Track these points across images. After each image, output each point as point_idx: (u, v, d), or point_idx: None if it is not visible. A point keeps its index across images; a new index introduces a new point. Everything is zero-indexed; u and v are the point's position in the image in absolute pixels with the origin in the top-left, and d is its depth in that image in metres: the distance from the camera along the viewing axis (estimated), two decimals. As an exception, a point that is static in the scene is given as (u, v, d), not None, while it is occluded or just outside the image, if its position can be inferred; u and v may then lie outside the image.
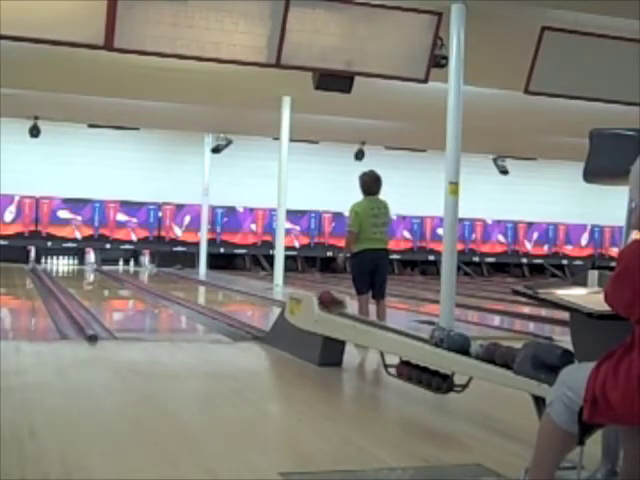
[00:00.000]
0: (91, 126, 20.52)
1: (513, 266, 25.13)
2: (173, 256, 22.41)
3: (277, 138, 16.87)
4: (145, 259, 23.01)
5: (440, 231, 15.41)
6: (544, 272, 25.02)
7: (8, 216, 21.11)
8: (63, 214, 21.55)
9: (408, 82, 11.08)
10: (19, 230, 21.22)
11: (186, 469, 3.55)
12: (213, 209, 22.35)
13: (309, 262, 23.44)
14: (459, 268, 19.05)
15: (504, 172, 24.01)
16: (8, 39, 9.60)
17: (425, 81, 10.79)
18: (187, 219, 22.49)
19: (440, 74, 10.08)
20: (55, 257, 22.13)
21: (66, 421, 4.38)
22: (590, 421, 2.65)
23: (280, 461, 3.77)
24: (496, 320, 11.92)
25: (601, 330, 2.99)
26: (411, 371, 5.12)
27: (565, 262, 25.62)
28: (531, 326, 10.63)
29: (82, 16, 9.47)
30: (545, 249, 25.60)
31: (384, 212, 8.31)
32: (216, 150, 21.44)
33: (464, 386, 4.74)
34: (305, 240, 23.19)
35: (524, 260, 25.25)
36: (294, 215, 21.52)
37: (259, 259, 22.76)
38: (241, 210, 22.83)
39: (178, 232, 22.49)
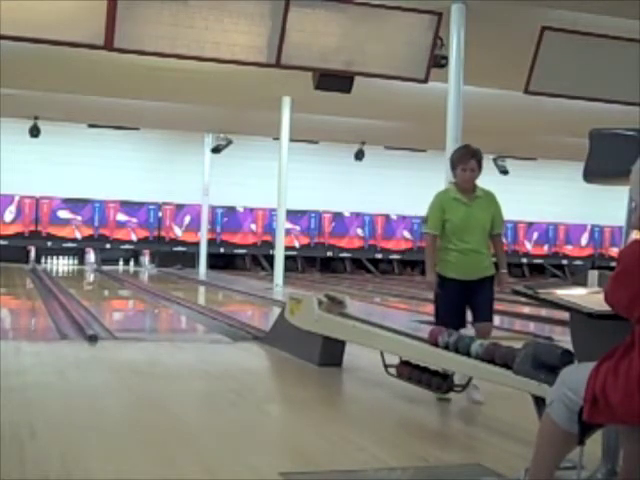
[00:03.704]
0: (91, 126, 20.53)
1: (513, 266, 25.09)
2: (173, 256, 22.42)
3: (277, 138, 16.87)
4: (145, 259, 23.02)
5: (440, 231, 15.39)
6: (544, 272, 25.03)
7: (8, 216, 21.12)
8: (63, 214, 21.56)
9: (408, 82, 11.09)
10: (19, 230, 21.23)
11: (186, 469, 3.55)
12: (213, 209, 22.35)
13: (309, 262, 23.45)
14: (459, 268, 19.04)
15: (504, 172, 24.00)
16: (8, 39, 9.60)
17: (425, 81, 10.79)
18: (187, 219, 22.50)
19: (440, 74, 10.09)
20: (55, 257, 22.14)
21: (66, 421, 4.38)
22: (590, 421, 2.65)
23: (280, 461, 3.77)
24: (496, 320, 11.87)
25: (601, 330, 2.99)
26: (411, 371, 5.12)
27: (565, 262, 25.63)
28: (531, 326, 10.63)
29: (82, 16, 9.48)
30: (545, 249, 25.61)
31: None
32: (216, 150, 21.45)
33: (464, 386, 4.74)
34: (305, 240, 23.20)
35: (524, 260, 25.26)
36: (294, 215, 21.53)
37: (259, 259, 22.76)
38: (241, 210, 22.83)
39: (178, 232, 22.50)
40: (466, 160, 5.23)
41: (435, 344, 4.82)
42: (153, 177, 21.82)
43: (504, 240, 5.85)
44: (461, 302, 5.29)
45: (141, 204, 22.13)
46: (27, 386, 5.24)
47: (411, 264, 24.29)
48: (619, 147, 3.83)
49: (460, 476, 3.67)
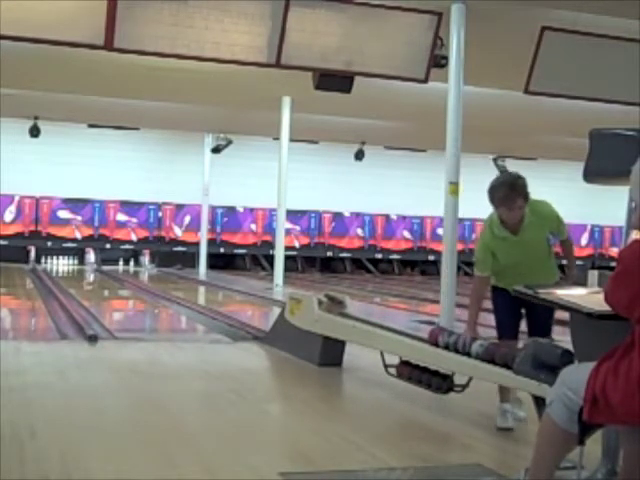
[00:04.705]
0: (91, 126, 20.52)
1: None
2: (173, 256, 22.41)
3: (277, 138, 16.87)
4: (145, 259, 23.00)
5: (440, 231, 15.39)
6: (544, 272, 25.01)
7: (8, 216, 21.11)
8: (63, 214, 21.55)
9: (408, 82, 11.08)
10: (19, 230, 21.22)
11: (186, 469, 3.55)
12: (213, 209, 22.35)
13: (309, 262, 23.44)
14: (459, 268, 19.08)
15: (504, 172, 24.01)
16: (8, 39, 9.60)
17: (425, 81, 10.79)
18: (187, 219, 22.49)
19: (440, 74, 10.08)
20: (55, 257, 22.13)
21: (66, 421, 4.38)
22: (590, 421, 2.65)
23: (280, 461, 3.77)
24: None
25: (601, 330, 2.99)
26: (411, 371, 5.12)
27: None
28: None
29: (82, 16, 9.47)
30: (545, 249, 25.58)
31: None
32: (216, 150, 21.44)
33: (464, 386, 4.74)
34: (305, 240, 23.19)
35: (524, 260, 25.23)
36: (294, 215, 21.53)
37: (259, 259, 22.76)
38: (241, 210, 22.83)
39: (178, 232, 22.49)
40: (505, 204, 4.47)
41: (435, 344, 4.82)
42: (153, 177, 21.81)
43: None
44: (517, 311, 4.65)
45: (141, 204, 22.12)
46: (27, 386, 5.24)
47: (411, 264, 24.31)
48: (619, 147, 3.83)
49: (460, 476, 3.67)
